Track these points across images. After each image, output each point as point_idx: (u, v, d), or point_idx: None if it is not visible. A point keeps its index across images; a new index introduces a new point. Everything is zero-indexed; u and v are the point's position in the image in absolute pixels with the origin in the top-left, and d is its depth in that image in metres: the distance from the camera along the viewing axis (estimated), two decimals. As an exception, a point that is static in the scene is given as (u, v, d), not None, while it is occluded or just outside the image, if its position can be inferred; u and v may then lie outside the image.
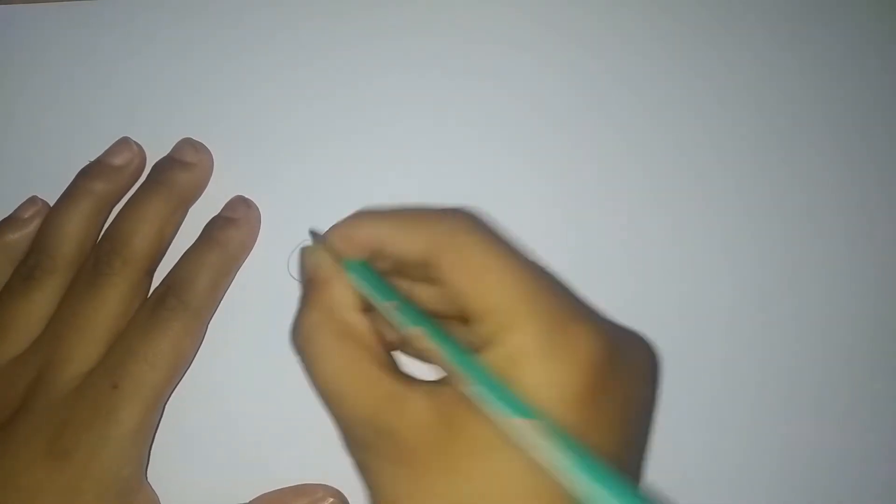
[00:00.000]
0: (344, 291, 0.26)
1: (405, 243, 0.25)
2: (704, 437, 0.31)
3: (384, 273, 0.27)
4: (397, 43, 0.34)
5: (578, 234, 0.33)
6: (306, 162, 0.33)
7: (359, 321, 0.26)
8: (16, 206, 0.32)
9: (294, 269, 0.32)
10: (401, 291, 0.26)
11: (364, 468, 0.25)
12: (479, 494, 0.22)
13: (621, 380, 0.24)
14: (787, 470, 0.31)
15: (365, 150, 0.33)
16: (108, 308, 0.29)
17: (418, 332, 0.25)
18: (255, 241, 0.32)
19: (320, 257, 0.27)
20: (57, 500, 0.27)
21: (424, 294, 0.27)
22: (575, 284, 0.30)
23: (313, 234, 0.30)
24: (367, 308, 0.26)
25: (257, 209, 0.32)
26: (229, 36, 0.34)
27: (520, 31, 0.34)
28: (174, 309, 0.29)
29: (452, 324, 0.26)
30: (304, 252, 0.28)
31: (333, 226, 0.27)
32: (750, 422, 0.31)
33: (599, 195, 0.33)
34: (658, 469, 0.31)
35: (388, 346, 0.26)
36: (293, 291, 0.31)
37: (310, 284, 0.27)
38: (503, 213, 0.32)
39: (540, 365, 0.23)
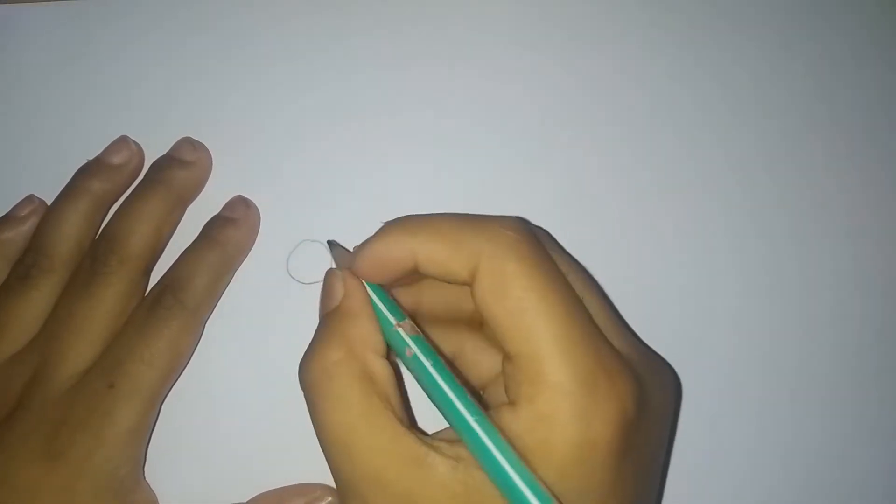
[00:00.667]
0: (371, 329, 0.24)
1: (445, 261, 0.23)
2: (710, 437, 0.31)
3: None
4: (398, 41, 0.34)
5: (584, 231, 0.32)
6: (306, 162, 0.33)
7: (382, 367, 0.23)
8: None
9: (293, 269, 0.32)
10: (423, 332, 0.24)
11: None
12: None
13: (649, 427, 0.24)
14: (793, 470, 0.31)
15: (365, 149, 0.33)
16: (104, 307, 0.29)
17: (435, 386, 0.23)
18: (253, 241, 0.32)
19: (350, 286, 0.24)
20: (53, 499, 0.27)
21: (439, 296, 0.27)
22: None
23: (334, 248, 0.28)
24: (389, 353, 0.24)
25: (257, 209, 0.32)
26: (229, 35, 0.34)
27: (523, 26, 0.34)
28: (171, 308, 0.29)
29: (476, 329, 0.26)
30: (330, 276, 0.25)
31: (362, 246, 0.24)
32: (755, 421, 0.31)
33: (606, 192, 0.33)
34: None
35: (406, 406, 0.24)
36: (292, 292, 0.32)
37: (334, 314, 0.24)
38: (507, 210, 0.32)
39: (576, 428, 0.21)
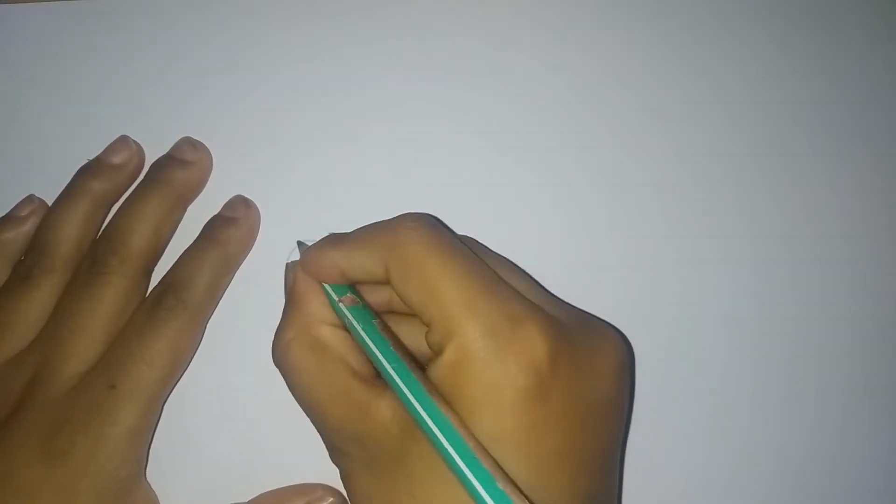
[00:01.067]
0: (318, 307, 0.27)
1: (364, 265, 0.26)
2: (700, 438, 0.31)
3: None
4: (398, 43, 0.34)
5: (577, 235, 0.32)
6: (306, 162, 0.33)
7: (331, 334, 0.26)
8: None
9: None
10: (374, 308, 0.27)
11: (343, 475, 0.26)
12: (437, 495, 0.23)
13: (573, 377, 0.24)
14: (783, 471, 0.31)
15: (365, 149, 0.33)
16: (105, 307, 0.29)
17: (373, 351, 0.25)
18: (254, 240, 0.32)
19: (297, 273, 0.27)
20: (54, 500, 0.27)
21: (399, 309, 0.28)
22: (570, 285, 0.31)
23: (300, 244, 0.30)
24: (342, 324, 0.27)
25: (257, 209, 0.32)
26: (229, 35, 0.34)
27: (522, 33, 0.34)
28: (172, 308, 0.29)
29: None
30: (287, 267, 0.28)
31: (306, 249, 0.28)
32: (746, 424, 0.31)
33: (598, 196, 0.33)
34: (655, 471, 0.31)
35: (365, 360, 0.27)
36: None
37: (287, 299, 0.28)
38: (501, 214, 0.32)
39: (482, 370, 0.23)
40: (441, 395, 0.24)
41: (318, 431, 0.27)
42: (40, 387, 0.28)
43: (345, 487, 0.27)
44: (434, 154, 0.33)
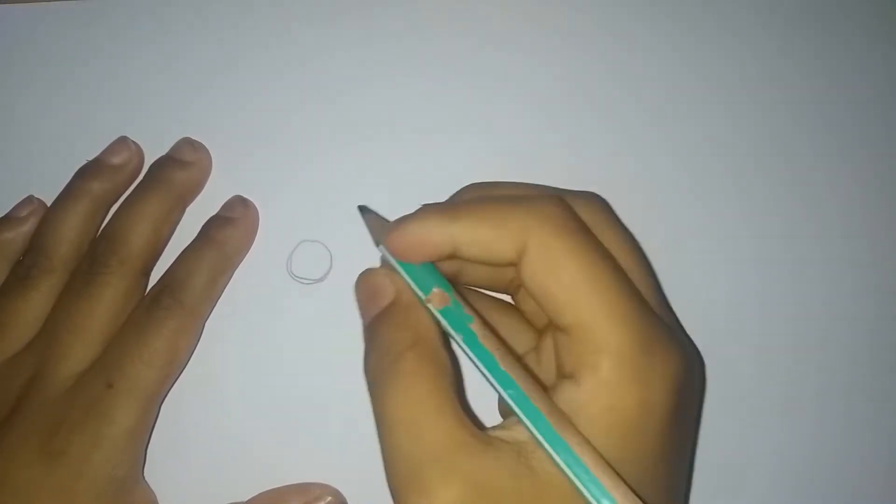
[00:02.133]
0: (429, 321, 0.24)
1: (491, 243, 0.23)
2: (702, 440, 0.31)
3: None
4: (397, 44, 0.34)
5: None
6: (305, 162, 0.33)
7: (446, 356, 0.23)
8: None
9: (293, 269, 0.32)
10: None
11: None
12: None
13: (692, 398, 0.24)
14: (787, 468, 0.31)
15: (365, 150, 0.33)
16: (103, 307, 0.29)
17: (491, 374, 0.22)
18: (252, 240, 0.32)
19: (399, 283, 0.24)
20: (52, 500, 0.27)
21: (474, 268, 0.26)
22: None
23: (366, 214, 0.27)
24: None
25: (255, 209, 0.32)
26: (229, 35, 0.34)
27: (523, 36, 0.34)
28: (169, 308, 0.29)
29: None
30: (374, 276, 0.25)
31: (399, 226, 0.24)
32: (746, 425, 0.31)
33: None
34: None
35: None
36: (291, 291, 0.32)
37: (393, 309, 0.24)
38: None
39: (638, 390, 0.22)
40: (574, 426, 0.22)
41: (400, 457, 0.22)
42: (38, 387, 0.28)
43: None
44: (434, 155, 0.33)
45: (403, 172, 0.33)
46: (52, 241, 0.30)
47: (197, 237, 0.31)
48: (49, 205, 0.32)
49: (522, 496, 0.21)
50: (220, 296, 0.31)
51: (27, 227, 0.32)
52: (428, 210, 0.24)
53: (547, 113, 0.33)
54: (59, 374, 0.28)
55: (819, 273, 0.32)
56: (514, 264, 0.23)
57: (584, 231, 0.23)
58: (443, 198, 0.32)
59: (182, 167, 0.32)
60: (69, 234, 0.31)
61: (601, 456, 0.21)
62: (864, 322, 0.32)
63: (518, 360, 0.23)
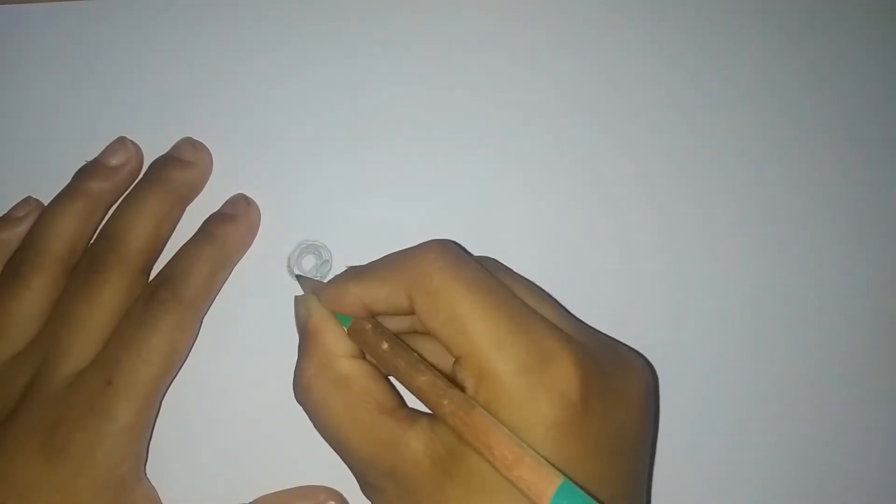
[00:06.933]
0: (336, 340, 0.26)
1: (388, 299, 0.25)
2: (695, 440, 0.31)
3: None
4: (398, 47, 0.34)
5: (574, 238, 0.33)
6: (305, 162, 0.33)
7: (353, 367, 0.26)
8: (14, 207, 0.32)
9: (294, 268, 0.32)
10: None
11: None
12: None
13: (604, 410, 0.24)
14: (779, 473, 0.31)
15: (365, 150, 0.33)
16: (103, 306, 0.29)
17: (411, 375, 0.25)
18: (253, 238, 0.32)
19: (310, 306, 0.27)
20: (53, 497, 0.26)
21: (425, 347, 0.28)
22: (567, 292, 0.30)
23: (300, 278, 0.30)
24: (362, 353, 0.27)
25: (257, 207, 0.32)
26: (229, 36, 0.34)
27: (523, 41, 0.34)
28: (166, 302, 0.29)
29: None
30: (296, 301, 0.28)
31: (325, 286, 0.27)
32: (740, 427, 0.31)
33: (594, 203, 0.33)
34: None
35: (390, 387, 0.26)
36: (291, 290, 0.31)
37: (303, 335, 0.27)
38: (498, 220, 0.32)
39: (516, 408, 0.23)
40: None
41: (348, 466, 0.26)
42: (39, 385, 0.28)
43: None
44: (437, 154, 0.33)
45: (403, 173, 0.33)
46: (43, 238, 0.30)
47: (197, 232, 0.31)
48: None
49: (436, 484, 0.24)
50: (218, 292, 0.31)
51: (23, 228, 0.31)
52: (342, 275, 0.27)
53: (545, 116, 0.34)
54: (59, 373, 0.28)
55: (813, 274, 0.32)
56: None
57: (461, 263, 0.25)
58: (441, 197, 0.33)
59: (182, 166, 0.32)
60: (62, 232, 0.30)
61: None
62: (860, 322, 0.32)
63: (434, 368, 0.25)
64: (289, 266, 0.32)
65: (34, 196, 0.32)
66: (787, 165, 0.33)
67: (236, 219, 0.31)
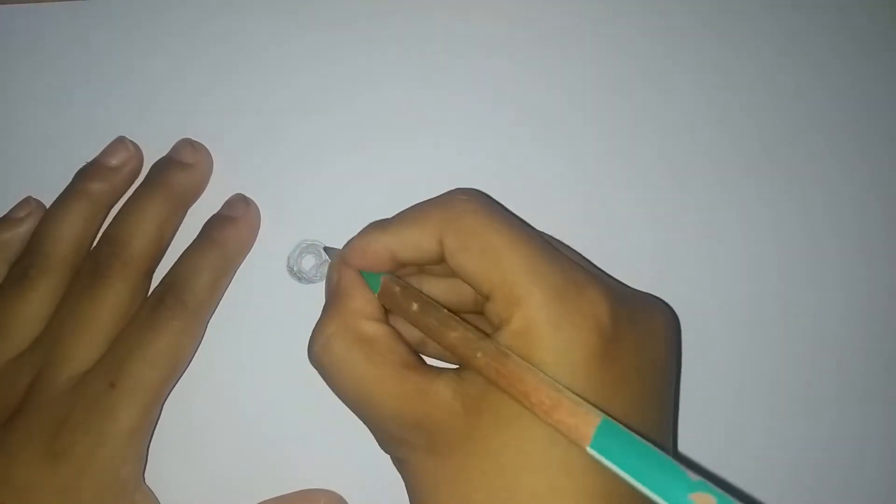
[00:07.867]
0: (362, 302, 0.26)
1: (417, 242, 0.25)
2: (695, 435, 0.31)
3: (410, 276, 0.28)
4: (397, 47, 0.34)
5: (575, 235, 0.32)
6: (305, 163, 0.33)
7: (377, 329, 0.26)
8: (14, 208, 0.32)
9: (294, 268, 0.32)
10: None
11: (401, 463, 0.26)
12: (509, 469, 0.23)
13: (633, 340, 0.24)
14: (775, 469, 0.31)
15: (364, 150, 0.33)
16: (106, 309, 0.29)
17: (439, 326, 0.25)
18: (254, 239, 0.32)
19: (339, 270, 0.27)
20: (55, 499, 0.27)
21: (442, 293, 0.28)
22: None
23: (327, 249, 0.30)
24: (387, 317, 0.27)
25: (257, 208, 0.32)
26: (229, 37, 0.34)
27: (521, 42, 0.34)
28: (173, 308, 0.29)
29: (472, 319, 0.26)
30: (330, 267, 0.28)
31: (349, 242, 0.27)
32: (767, 419, 0.31)
33: (594, 203, 0.33)
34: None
35: (412, 350, 0.26)
36: (293, 291, 0.32)
37: (329, 297, 0.27)
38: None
39: (550, 334, 0.23)
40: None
41: (369, 424, 0.26)
42: (41, 387, 0.28)
43: (403, 475, 0.26)
44: (432, 156, 0.33)
45: (402, 173, 0.33)
46: (49, 241, 0.30)
47: (198, 237, 0.31)
48: (48, 207, 0.32)
49: (466, 427, 0.24)
50: (222, 295, 0.31)
51: (24, 228, 0.31)
52: (366, 228, 0.27)
53: (543, 116, 0.34)
54: (62, 375, 0.28)
55: (811, 273, 0.33)
56: (442, 257, 0.25)
57: (493, 206, 0.26)
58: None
59: (183, 169, 0.32)
60: (67, 234, 0.30)
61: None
62: (857, 321, 0.32)
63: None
64: (289, 266, 0.32)
65: (34, 196, 0.32)
66: (786, 164, 0.33)
67: (237, 221, 0.31)
